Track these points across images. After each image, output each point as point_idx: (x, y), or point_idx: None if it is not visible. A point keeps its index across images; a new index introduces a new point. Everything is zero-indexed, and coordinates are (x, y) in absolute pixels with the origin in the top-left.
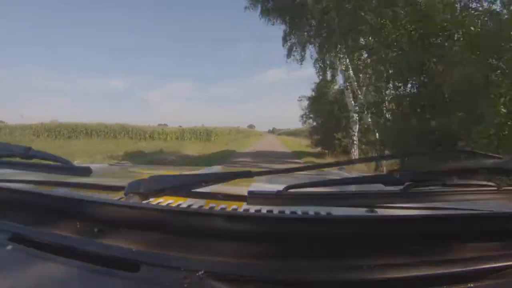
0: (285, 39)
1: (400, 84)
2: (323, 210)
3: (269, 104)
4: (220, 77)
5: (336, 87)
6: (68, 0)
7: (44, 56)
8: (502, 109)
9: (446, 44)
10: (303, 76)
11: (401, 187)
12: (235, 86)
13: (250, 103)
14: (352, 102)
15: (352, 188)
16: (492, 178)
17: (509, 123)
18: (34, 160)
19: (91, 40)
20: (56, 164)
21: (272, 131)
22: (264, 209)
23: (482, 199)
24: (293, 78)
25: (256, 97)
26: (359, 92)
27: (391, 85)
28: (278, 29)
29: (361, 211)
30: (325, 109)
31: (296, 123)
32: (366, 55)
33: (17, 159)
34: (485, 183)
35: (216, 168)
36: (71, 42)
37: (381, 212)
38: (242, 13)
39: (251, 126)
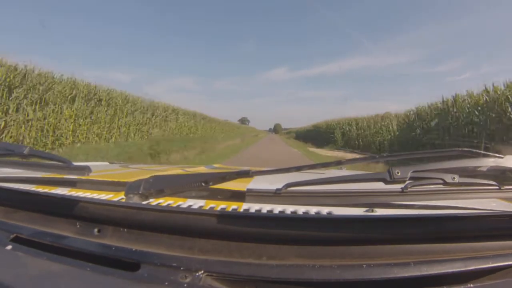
0: None
1: None
2: (323, 210)
3: (271, 101)
4: (223, 74)
5: None
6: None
7: (47, 49)
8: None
9: None
10: (306, 76)
11: (402, 185)
12: (237, 82)
13: (251, 99)
14: None
15: (352, 186)
16: (493, 177)
17: None
18: (34, 159)
19: (96, 34)
20: (56, 163)
21: (274, 131)
22: (265, 209)
23: (483, 198)
24: (296, 78)
25: (257, 94)
26: None
27: None
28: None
29: (360, 211)
30: None
31: (300, 123)
32: None
33: (17, 159)
34: (486, 182)
35: (216, 167)
36: (76, 36)
37: (381, 211)
38: (248, 10)
39: (243, 121)
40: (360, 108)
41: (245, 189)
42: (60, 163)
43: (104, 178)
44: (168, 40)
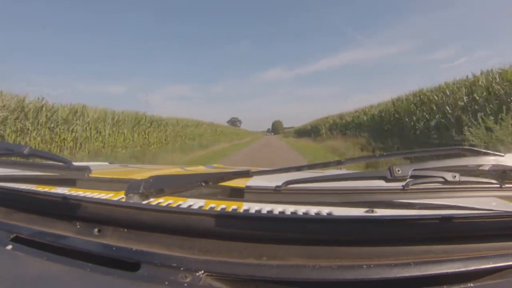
0: None
1: None
2: (323, 210)
3: (267, 101)
4: (219, 78)
5: None
6: (69, 8)
7: (43, 63)
8: None
9: None
10: (302, 73)
11: (403, 183)
12: (233, 85)
13: (247, 101)
14: None
15: (353, 184)
16: (494, 176)
17: None
18: (34, 159)
19: (90, 45)
20: (56, 163)
21: (273, 130)
22: (265, 209)
23: (484, 196)
24: (292, 76)
25: (254, 95)
26: None
27: None
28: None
29: (361, 211)
30: None
31: (300, 121)
32: None
33: (17, 159)
34: (487, 180)
35: (215, 167)
36: (71, 48)
37: (381, 209)
38: (240, 11)
39: (233, 122)
40: (359, 101)
41: (245, 186)
42: (60, 163)
43: (104, 179)
44: (161, 48)
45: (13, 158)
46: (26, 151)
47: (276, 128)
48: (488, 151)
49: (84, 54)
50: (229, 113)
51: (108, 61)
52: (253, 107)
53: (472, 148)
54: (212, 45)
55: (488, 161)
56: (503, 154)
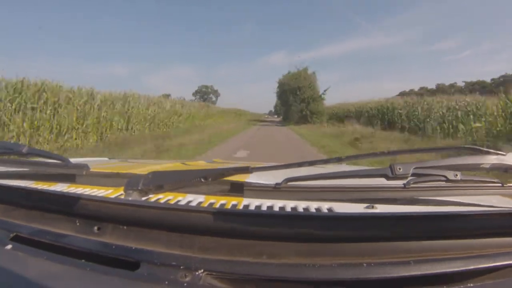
0: None
1: None
2: (323, 206)
3: (270, 86)
4: (222, 60)
5: None
6: None
7: (48, 45)
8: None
9: None
10: (305, 59)
11: (403, 181)
12: (236, 69)
13: (250, 84)
14: None
15: (353, 182)
16: (496, 175)
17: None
18: (32, 158)
19: (94, 27)
20: (54, 161)
21: (278, 112)
22: (265, 206)
23: (486, 195)
24: (296, 61)
25: (257, 79)
26: None
27: None
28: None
29: (361, 207)
30: None
31: None
32: None
33: (16, 157)
34: (488, 179)
35: (215, 163)
36: (74, 30)
37: (382, 207)
38: None
39: (204, 95)
40: (360, 89)
41: (244, 182)
42: (58, 161)
43: (103, 175)
44: (163, 30)
45: (12, 157)
46: (24, 149)
47: (290, 109)
48: (490, 150)
49: (85, 34)
50: (231, 96)
51: (109, 42)
52: (256, 90)
53: (474, 146)
54: (215, 28)
55: (490, 159)
56: (504, 153)
